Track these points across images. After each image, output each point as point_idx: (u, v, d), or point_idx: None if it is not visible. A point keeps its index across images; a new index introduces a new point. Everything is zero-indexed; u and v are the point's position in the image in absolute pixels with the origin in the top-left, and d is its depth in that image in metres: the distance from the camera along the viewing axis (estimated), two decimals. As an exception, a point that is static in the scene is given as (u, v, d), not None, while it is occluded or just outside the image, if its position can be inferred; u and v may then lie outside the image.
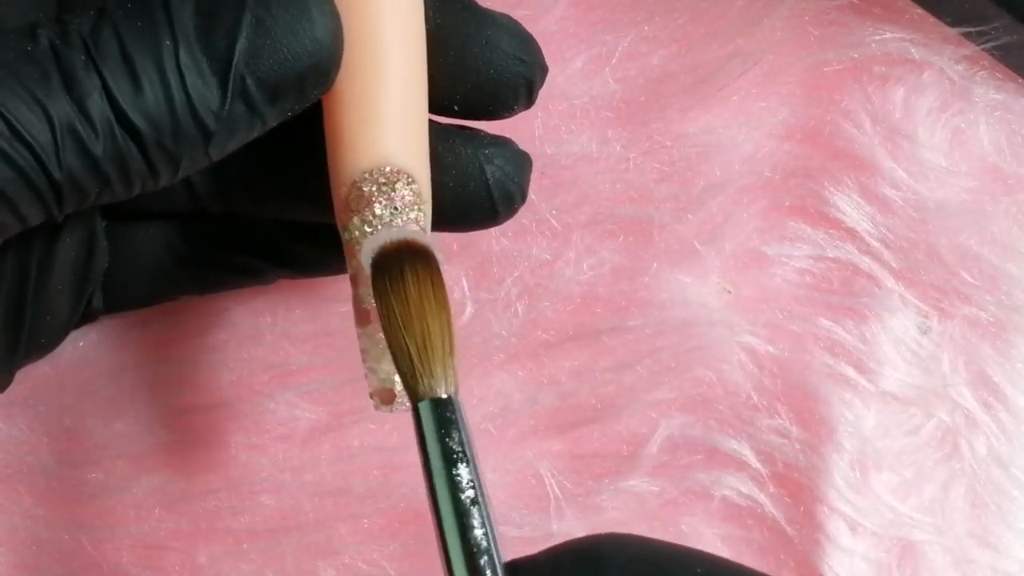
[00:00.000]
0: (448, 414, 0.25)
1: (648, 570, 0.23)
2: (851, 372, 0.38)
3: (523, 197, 0.31)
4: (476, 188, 0.30)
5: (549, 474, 0.38)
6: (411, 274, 0.27)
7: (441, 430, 0.25)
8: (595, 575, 0.23)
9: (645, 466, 0.38)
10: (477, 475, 0.25)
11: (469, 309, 0.38)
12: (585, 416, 0.38)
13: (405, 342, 0.26)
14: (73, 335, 0.37)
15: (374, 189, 0.28)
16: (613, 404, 0.38)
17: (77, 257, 0.32)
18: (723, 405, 0.38)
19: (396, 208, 0.28)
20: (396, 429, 0.38)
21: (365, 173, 0.28)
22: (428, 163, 0.29)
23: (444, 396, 0.26)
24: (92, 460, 0.38)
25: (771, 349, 0.38)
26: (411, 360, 0.26)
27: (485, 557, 0.24)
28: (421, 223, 0.28)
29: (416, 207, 0.28)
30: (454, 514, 0.24)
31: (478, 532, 0.24)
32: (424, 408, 0.26)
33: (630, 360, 0.38)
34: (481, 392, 0.38)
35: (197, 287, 0.35)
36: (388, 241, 0.27)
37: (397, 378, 0.28)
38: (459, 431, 0.25)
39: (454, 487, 0.25)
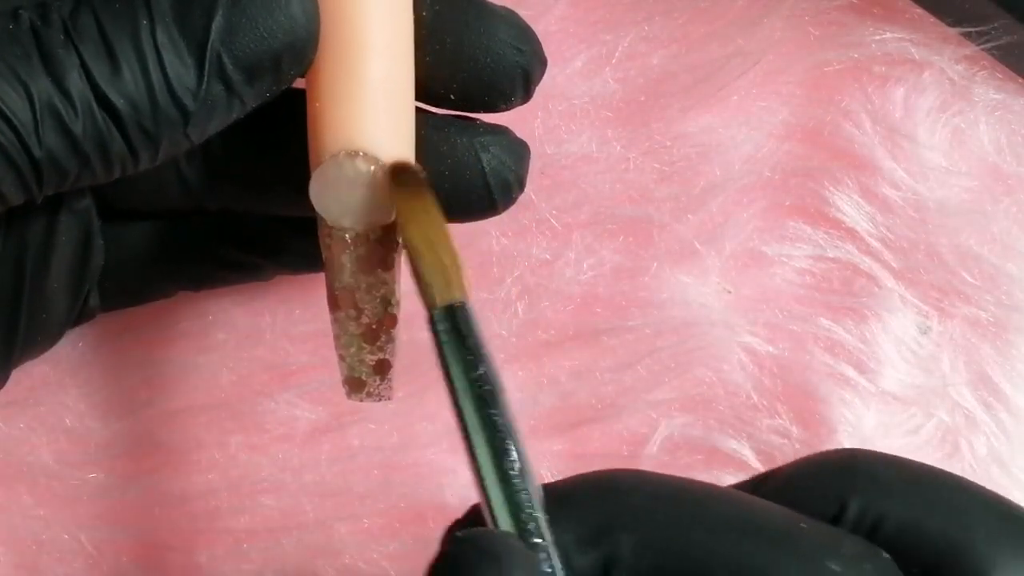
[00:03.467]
0: (471, 317, 0.26)
1: (672, 492, 0.24)
2: (851, 372, 0.38)
3: (521, 186, 0.31)
4: (472, 177, 0.30)
5: (549, 474, 0.38)
6: (429, 193, 0.27)
7: (470, 329, 0.26)
8: (619, 498, 0.24)
9: (645, 466, 0.38)
10: (495, 370, 0.25)
11: (469, 309, 0.38)
12: (585, 416, 0.38)
13: (437, 250, 0.26)
14: (73, 335, 0.37)
15: (339, 171, 0.28)
16: (613, 404, 0.38)
17: (73, 255, 0.32)
18: (723, 405, 0.38)
19: (361, 192, 0.28)
20: (396, 429, 0.38)
21: (332, 156, 0.28)
22: (411, 147, 0.29)
23: (464, 300, 0.26)
24: (92, 460, 0.38)
25: (771, 349, 0.38)
26: (445, 266, 0.26)
27: (509, 439, 0.24)
28: (392, 208, 0.28)
29: (383, 190, 0.28)
30: (472, 400, 0.25)
31: (499, 420, 0.25)
32: (455, 310, 0.26)
33: (630, 360, 0.38)
34: (481, 392, 0.38)
35: (193, 284, 0.35)
36: (407, 163, 0.28)
37: (365, 367, 0.29)
38: (479, 332, 0.26)
39: (476, 377, 0.25)
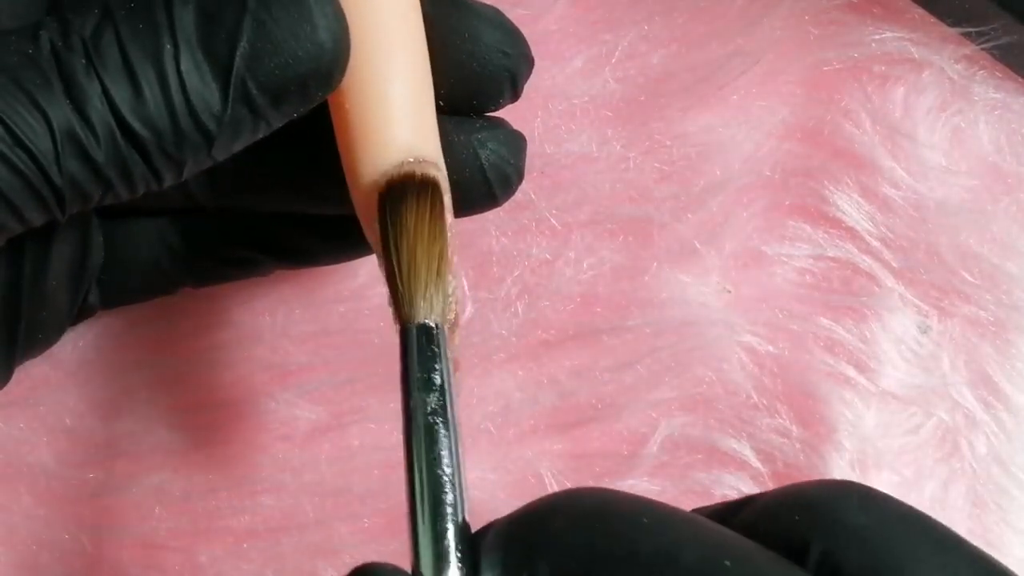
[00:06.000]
0: (426, 340, 0.26)
1: (595, 520, 0.23)
2: (851, 371, 0.38)
3: (520, 177, 0.31)
4: (472, 174, 0.30)
5: (549, 474, 0.38)
6: (410, 203, 0.27)
7: (418, 354, 0.26)
8: (542, 527, 0.23)
9: (645, 466, 0.38)
10: (446, 403, 0.26)
11: (469, 309, 0.38)
12: (585, 416, 0.38)
13: (395, 268, 0.27)
14: (73, 335, 0.37)
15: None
16: (613, 404, 0.38)
17: (72, 252, 0.32)
18: (723, 405, 0.38)
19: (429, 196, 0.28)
20: (396, 429, 0.38)
21: (393, 167, 0.27)
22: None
23: (427, 323, 0.26)
24: (92, 460, 0.38)
25: (771, 349, 0.38)
26: (398, 286, 0.27)
27: (446, 480, 0.25)
28: (450, 207, 0.28)
29: (447, 192, 0.28)
30: (416, 434, 0.25)
31: (442, 452, 0.25)
32: (406, 332, 0.26)
33: (630, 360, 0.38)
34: (481, 392, 0.38)
35: (193, 280, 0.35)
36: (394, 172, 0.28)
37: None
38: (435, 358, 0.26)
39: (421, 409, 0.25)
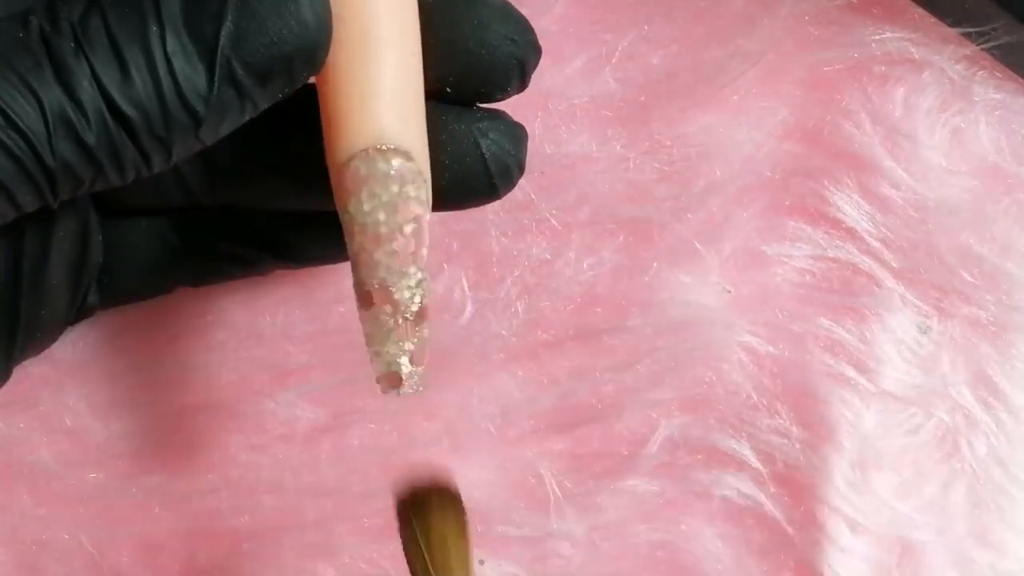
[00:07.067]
0: None
1: None
2: (851, 372, 0.38)
3: (521, 169, 0.31)
4: (472, 164, 0.30)
5: (549, 474, 0.38)
6: (436, 509, 0.30)
7: None
8: None
9: (645, 466, 0.38)
10: None
11: (469, 309, 0.38)
12: (585, 416, 0.38)
13: (428, 569, 0.29)
14: (73, 335, 0.37)
15: (370, 167, 0.28)
16: (613, 404, 0.38)
17: (72, 251, 0.32)
18: (723, 405, 0.38)
19: (394, 187, 0.28)
20: (396, 429, 0.38)
21: (361, 152, 0.27)
22: (426, 140, 0.29)
23: None
24: (92, 460, 0.38)
25: (771, 349, 0.38)
26: None
27: None
28: (422, 199, 0.28)
29: (414, 184, 0.28)
30: None
31: None
32: None
33: (630, 360, 0.38)
34: (481, 392, 0.38)
35: (192, 279, 0.35)
36: (417, 477, 0.30)
37: (403, 360, 0.29)
38: None
39: None
